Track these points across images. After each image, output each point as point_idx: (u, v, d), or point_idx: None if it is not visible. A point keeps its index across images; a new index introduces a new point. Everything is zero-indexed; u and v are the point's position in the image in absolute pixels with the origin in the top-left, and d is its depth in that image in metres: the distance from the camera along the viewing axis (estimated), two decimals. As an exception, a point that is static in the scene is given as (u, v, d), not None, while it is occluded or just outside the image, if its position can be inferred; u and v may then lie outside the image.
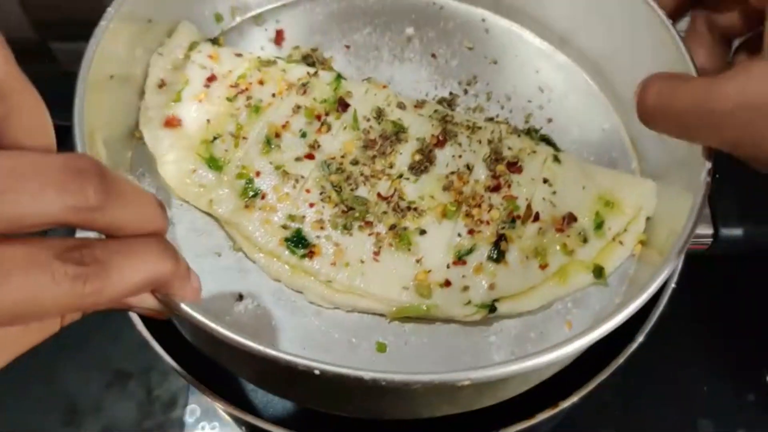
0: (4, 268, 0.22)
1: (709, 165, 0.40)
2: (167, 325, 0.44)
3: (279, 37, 0.54)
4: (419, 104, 0.49)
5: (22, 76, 0.25)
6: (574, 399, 0.46)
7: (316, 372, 0.32)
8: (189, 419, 0.70)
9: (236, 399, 0.45)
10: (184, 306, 0.32)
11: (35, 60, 0.88)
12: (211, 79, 0.48)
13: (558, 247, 0.44)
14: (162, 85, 0.48)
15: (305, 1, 0.56)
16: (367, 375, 0.32)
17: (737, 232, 0.52)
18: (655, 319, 0.49)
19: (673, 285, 0.49)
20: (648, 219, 0.46)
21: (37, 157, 0.23)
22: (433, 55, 0.55)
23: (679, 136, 0.38)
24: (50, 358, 0.72)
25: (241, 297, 0.43)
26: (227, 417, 0.64)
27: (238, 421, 0.41)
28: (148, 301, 0.32)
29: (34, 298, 0.22)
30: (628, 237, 0.46)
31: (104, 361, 0.73)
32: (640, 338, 0.48)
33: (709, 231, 0.51)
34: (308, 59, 0.52)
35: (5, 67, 0.24)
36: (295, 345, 0.42)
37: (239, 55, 0.50)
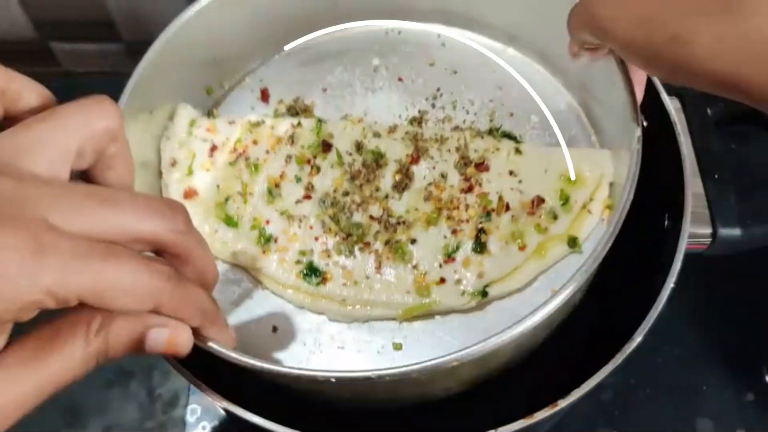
0: (118, 253, 0.30)
1: (637, 123, 0.46)
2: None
3: (264, 95, 0.62)
4: (392, 129, 0.56)
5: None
6: (573, 398, 0.46)
7: (332, 380, 0.39)
8: (190, 419, 0.72)
9: (237, 398, 0.47)
10: (213, 345, 0.40)
11: (35, 60, 0.89)
12: (213, 149, 0.56)
13: (532, 228, 0.51)
14: (174, 163, 0.56)
15: (280, 58, 0.64)
16: (374, 374, 0.39)
17: (736, 232, 0.54)
18: (654, 318, 0.49)
19: (672, 284, 0.50)
20: (611, 184, 0.52)
21: (145, 195, 0.33)
22: (400, 79, 0.61)
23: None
24: (50, 357, 0.76)
25: (275, 329, 0.51)
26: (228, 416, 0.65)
27: (239, 421, 0.45)
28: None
29: (134, 280, 0.30)
30: (595, 205, 0.51)
31: (105, 359, 0.77)
32: (639, 338, 0.48)
33: (708, 231, 0.53)
34: (292, 110, 0.60)
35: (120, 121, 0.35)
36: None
37: (232, 122, 0.58)
